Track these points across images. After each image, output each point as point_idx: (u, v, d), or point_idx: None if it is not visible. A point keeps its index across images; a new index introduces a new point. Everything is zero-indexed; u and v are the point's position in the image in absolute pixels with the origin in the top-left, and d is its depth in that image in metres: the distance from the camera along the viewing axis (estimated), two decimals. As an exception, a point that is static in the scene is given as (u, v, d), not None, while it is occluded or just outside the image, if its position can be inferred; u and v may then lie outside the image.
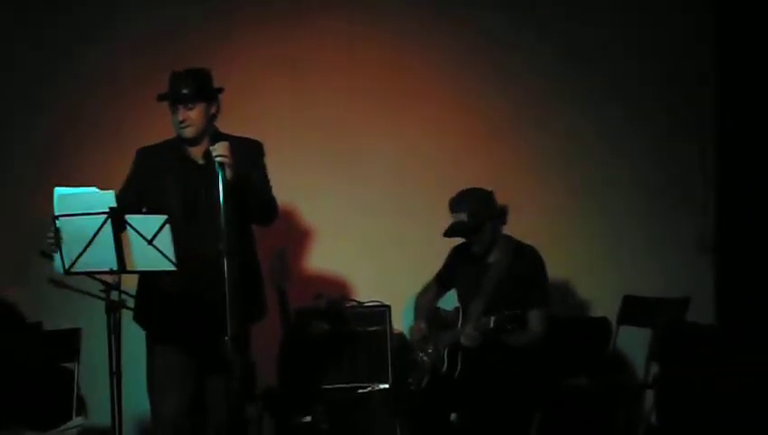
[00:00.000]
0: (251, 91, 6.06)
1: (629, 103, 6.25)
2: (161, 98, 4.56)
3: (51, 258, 4.28)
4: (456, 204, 5.27)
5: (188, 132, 4.55)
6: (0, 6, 6.11)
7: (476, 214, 5.22)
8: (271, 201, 4.63)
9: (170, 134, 4.69)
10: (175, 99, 4.52)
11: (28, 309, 5.85)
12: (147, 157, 4.66)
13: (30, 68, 6.13)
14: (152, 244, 4.08)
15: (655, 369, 5.77)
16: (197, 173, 4.57)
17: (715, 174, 6.19)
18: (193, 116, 4.53)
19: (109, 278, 4.33)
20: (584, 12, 6.24)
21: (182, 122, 4.53)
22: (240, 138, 4.60)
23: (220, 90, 4.62)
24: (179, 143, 4.62)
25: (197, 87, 4.52)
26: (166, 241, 4.10)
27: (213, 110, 4.59)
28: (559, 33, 6.24)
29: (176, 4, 6.17)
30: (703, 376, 5.45)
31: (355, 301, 5.95)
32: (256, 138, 4.72)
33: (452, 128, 6.24)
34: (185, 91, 4.50)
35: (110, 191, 4.14)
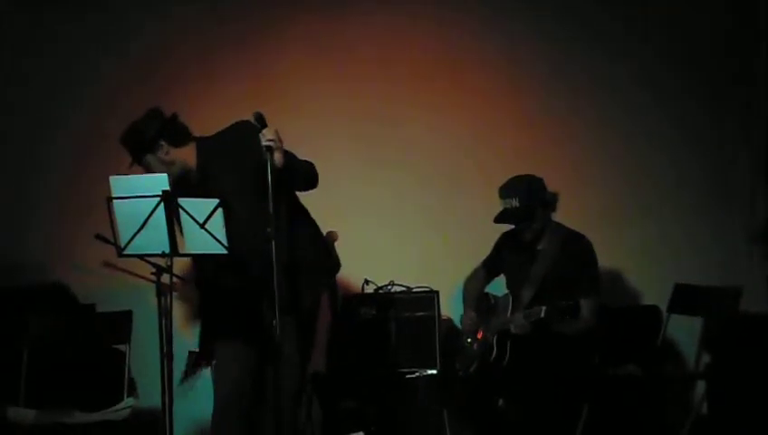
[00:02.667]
0: (294, 79, 6.10)
1: (675, 100, 6.19)
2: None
3: (107, 241, 4.33)
4: (506, 190, 5.24)
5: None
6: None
7: (527, 200, 5.18)
8: (311, 169, 4.63)
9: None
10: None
11: (82, 292, 5.90)
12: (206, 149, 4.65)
13: (69, 56, 6.20)
14: (204, 227, 4.09)
15: (706, 359, 5.73)
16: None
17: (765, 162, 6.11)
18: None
19: (160, 261, 4.36)
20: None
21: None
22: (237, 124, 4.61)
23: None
24: None
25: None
26: (218, 225, 4.12)
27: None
28: (598, 23, 6.20)
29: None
30: (756, 367, 5.40)
31: (403, 287, 5.94)
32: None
33: (497, 116, 6.21)
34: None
35: (164, 174, 4.16)
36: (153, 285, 4.38)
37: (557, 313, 4.90)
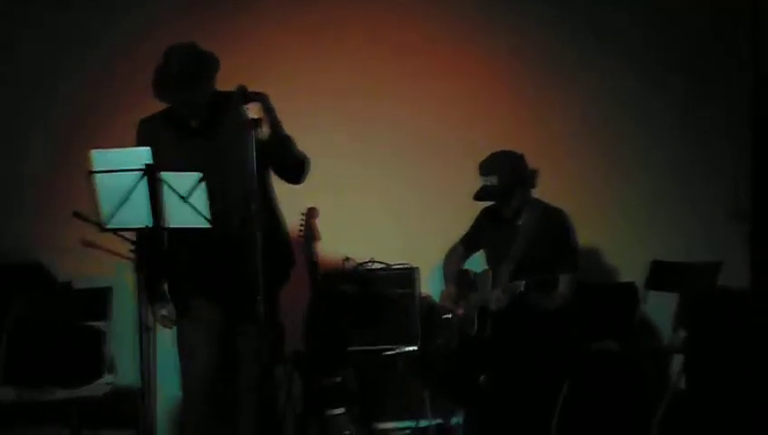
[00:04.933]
0: (271, 57, 6.09)
1: (654, 71, 6.23)
2: (161, 97, 4.37)
3: (84, 219, 4.30)
4: (485, 167, 5.26)
5: (194, 120, 4.45)
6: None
7: (506, 177, 5.21)
8: (301, 156, 4.58)
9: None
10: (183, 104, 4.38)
11: (62, 271, 5.88)
12: (147, 129, 4.49)
13: (58, 31, 6.16)
14: (187, 201, 4.07)
15: (682, 334, 5.78)
16: (201, 137, 4.46)
17: (751, 139, 6.16)
18: (201, 107, 4.42)
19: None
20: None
21: (190, 116, 4.42)
22: (245, 93, 4.36)
23: (218, 67, 4.42)
24: (172, 112, 4.48)
25: (204, 86, 4.35)
26: (201, 198, 4.10)
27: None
28: (583, 5, 6.24)
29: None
30: (732, 341, 5.45)
31: (383, 263, 5.95)
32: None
33: (478, 91, 6.22)
34: (194, 97, 4.34)
35: (147, 148, 4.13)
36: (131, 263, 4.36)
37: (536, 287, 4.93)
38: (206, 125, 4.46)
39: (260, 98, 4.30)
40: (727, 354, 5.40)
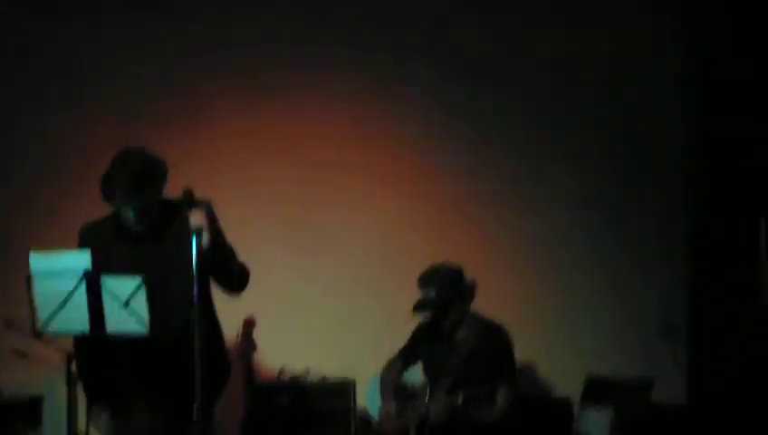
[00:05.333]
0: (214, 163, 6.11)
1: (592, 185, 6.36)
2: (107, 199, 4.32)
3: (16, 328, 4.25)
4: (424, 280, 5.30)
5: (141, 227, 4.38)
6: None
7: (445, 291, 5.25)
8: (242, 266, 4.59)
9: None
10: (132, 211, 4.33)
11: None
12: (89, 236, 4.43)
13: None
14: (128, 306, 4.04)
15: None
16: (144, 242, 4.43)
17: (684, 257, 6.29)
18: (147, 214, 4.38)
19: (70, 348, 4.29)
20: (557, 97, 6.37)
21: (138, 223, 4.37)
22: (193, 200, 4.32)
23: (165, 174, 4.38)
24: (120, 217, 4.42)
25: (151, 192, 4.31)
26: (140, 303, 4.07)
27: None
28: (523, 104, 6.37)
29: (139, 76, 6.22)
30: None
31: (319, 375, 5.91)
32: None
33: (417, 203, 6.31)
34: (141, 202, 4.29)
35: (87, 251, 4.10)
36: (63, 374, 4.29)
37: (474, 398, 4.94)
38: (152, 230, 4.42)
39: (204, 205, 4.31)
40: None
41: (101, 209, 4.45)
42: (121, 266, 4.21)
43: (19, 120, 6.20)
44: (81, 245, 4.39)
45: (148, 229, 4.41)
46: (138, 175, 4.27)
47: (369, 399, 5.69)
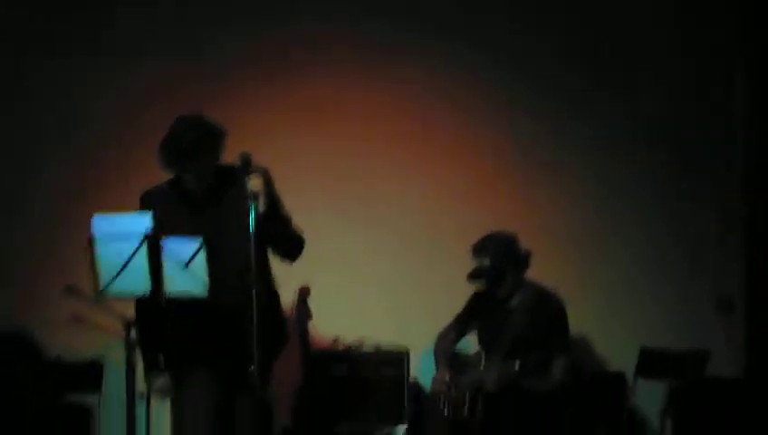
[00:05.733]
0: (266, 136, 6.13)
1: (644, 160, 6.32)
2: (168, 167, 4.40)
3: (76, 293, 4.31)
4: (478, 249, 5.31)
5: (197, 188, 4.48)
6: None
7: (499, 260, 5.25)
8: (297, 233, 4.62)
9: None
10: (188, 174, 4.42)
11: (50, 344, 5.85)
12: (151, 201, 4.50)
13: (57, 99, 6.23)
14: (187, 268, 4.08)
15: (670, 424, 5.77)
16: (207, 207, 4.50)
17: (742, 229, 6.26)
18: (203, 177, 4.47)
19: (130, 315, 4.34)
20: (592, 68, 6.34)
21: (193, 183, 4.44)
22: (251, 168, 4.37)
23: (224, 137, 4.46)
24: (182, 181, 4.50)
25: (209, 156, 4.39)
26: (200, 265, 4.11)
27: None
28: (577, 88, 6.34)
29: (197, 49, 6.27)
30: (720, 432, 5.44)
31: (374, 344, 5.95)
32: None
33: (472, 172, 6.31)
34: (199, 166, 4.38)
35: (148, 213, 4.16)
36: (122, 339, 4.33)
37: (530, 368, 4.93)
38: (211, 196, 4.49)
39: (261, 171, 4.35)
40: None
41: (163, 175, 4.51)
42: (180, 232, 4.24)
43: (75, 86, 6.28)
44: (143, 209, 4.44)
45: (206, 194, 4.46)
46: (194, 139, 4.33)
47: (422, 369, 5.73)
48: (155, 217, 4.21)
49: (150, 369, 4.48)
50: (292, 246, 4.58)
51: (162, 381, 4.52)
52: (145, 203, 4.49)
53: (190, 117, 4.43)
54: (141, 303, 4.35)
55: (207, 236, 4.23)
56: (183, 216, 4.44)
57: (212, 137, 4.40)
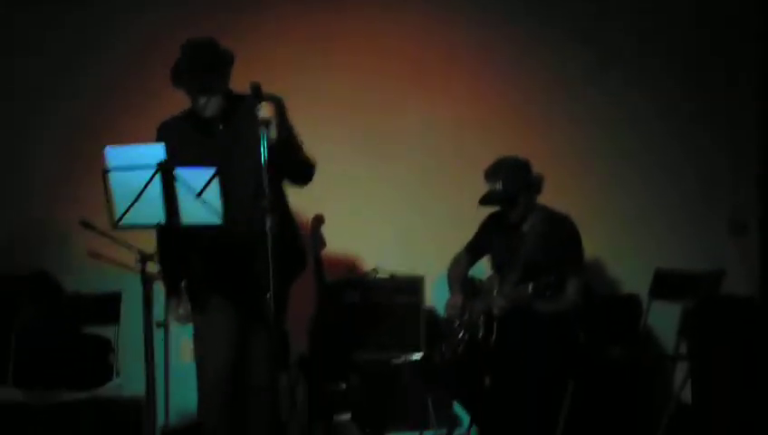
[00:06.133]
0: (278, 68, 6.11)
1: (654, 83, 6.32)
2: (177, 84, 4.47)
3: (91, 228, 4.35)
4: (491, 173, 5.29)
5: (210, 113, 4.53)
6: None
7: (511, 183, 5.24)
8: (308, 159, 4.66)
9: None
10: (195, 91, 4.47)
11: (66, 280, 5.90)
12: (167, 131, 4.60)
13: (68, 34, 6.21)
14: (201, 197, 4.10)
15: (685, 343, 5.81)
16: (220, 136, 4.58)
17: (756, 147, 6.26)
18: (214, 100, 4.51)
19: (146, 249, 4.42)
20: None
21: (205, 108, 4.51)
22: (264, 94, 4.45)
23: (233, 60, 4.56)
24: (197, 112, 4.58)
25: (216, 75, 4.46)
26: (214, 194, 4.14)
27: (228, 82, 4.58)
28: (591, 22, 6.34)
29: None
30: (736, 350, 5.46)
31: (388, 272, 5.98)
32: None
33: (483, 102, 6.29)
34: (205, 83, 4.44)
35: (161, 144, 4.17)
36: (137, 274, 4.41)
37: (543, 287, 4.95)
38: (223, 124, 4.54)
39: (275, 99, 4.38)
40: (733, 362, 5.42)
41: (178, 107, 4.57)
42: (194, 159, 4.29)
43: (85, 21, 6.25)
44: (158, 140, 4.50)
45: (220, 121, 4.50)
46: (205, 58, 4.41)
47: (437, 296, 5.76)
48: (169, 146, 4.26)
49: (170, 296, 4.53)
50: (303, 171, 4.65)
51: (182, 307, 4.58)
52: (160, 133, 4.56)
53: (200, 38, 4.51)
54: (162, 231, 4.39)
55: (221, 163, 4.28)
56: (196, 144, 4.51)
57: (222, 57, 4.48)
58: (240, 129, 4.48)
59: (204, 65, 4.41)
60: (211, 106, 4.49)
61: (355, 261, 6.06)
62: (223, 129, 4.56)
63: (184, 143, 4.46)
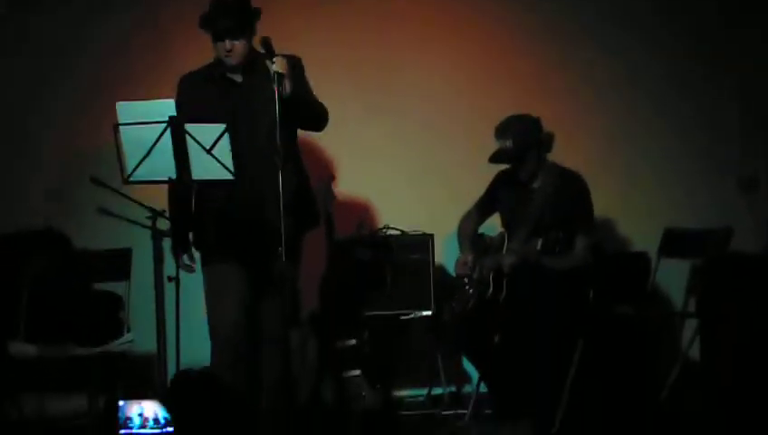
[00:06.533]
0: (281, 29, 6.05)
1: (664, 42, 6.34)
2: (204, 26, 4.58)
3: (102, 185, 4.37)
4: (501, 130, 5.28)
5: (233, 61, 4.60)
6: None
7: (522, 140, 5.23)
8: (321, 108, 4.71)
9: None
10: (221, 33, 4.54)
11: (77, 237, 5.92)
12: (188, 83, 4.69)
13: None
14: (210, 153, 4.12)
15: (693, 300, 5.83)
16: (238, 91, 4.62)
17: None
18: (238, 46, 4.57)
19: (156, 206, 4.46)
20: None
21: (228, 53, 4.57)
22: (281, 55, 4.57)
23: (259, 14, 4.66)
24: (217, 66, 4.66)
25: (243, 19, 4.55)
26: (224, 150, 4.15)
27: (253, 36, 4.64)
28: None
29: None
30: (744, 307, 5.49)
31: (398, 229, 5.99)
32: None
33: (492, 58, 6.29)
34: (231, 25, 4.53)
35: (171, 100, 4.19)
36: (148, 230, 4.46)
37: (552, 243, 4.96)
38: (243, 79, 4.60)
39: (293, 58, 4.50)
40: (742, 318, 5.44)
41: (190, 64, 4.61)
42: (212, 114, 4.35)
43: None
44: (179, 92, 4.60)
45: (239, 71, 4.59)
46: (235, 3, 4.51)
47: (447, 254, 5.78)
48: (187, 97, 4.38)
49: (177, 247, 4.56)
50: (317, 118, 4.70)
51: (188, 257, 4.62)
52: (181, 86, 4.65)
53: None
54: (173, 186, 4.43)
55: (238, 118, 4.37)
56: (216, 98, 4.57)
57: (250, 5, 4.58)
58: (257, 85, 4.51)
59: (233, 9, 4.50)
60: (236, 53, 4.56)
61: (366, 218, 6.06)
62: (242, 83, 4.61)
63: (203, 97, 4.54)
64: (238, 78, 4.65)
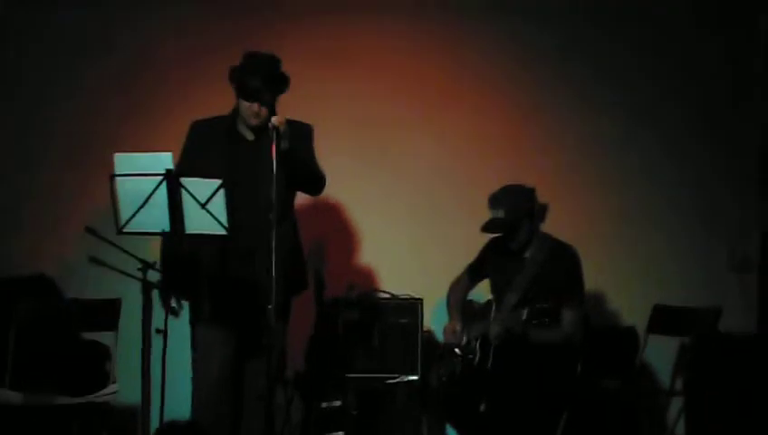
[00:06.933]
0: (294, 83, 6.10)
1: (657, 115, 6.34)
2: (238, 83, 4.59)
3: (96, 235, 4.39)
4: (494, 200, 5.32)
5: (256, 123, 4.63)
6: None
7: (514, 211, 5.26)
8: (320, 172, 4.74)
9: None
10: (255, 95, 4.58)
11: (67, 286, 5.92)
12: (199, 130, 4.73)
13: (74, 37, 6.23)
14: (205, 207, 4.15)
15: (681, 378, 5.82)
16: (246, 148, 4.66)
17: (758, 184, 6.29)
18: (264, 111, 4.60)
19: (147, 258, 4.45)
20: (617, 22, 6.34)
21: (255, 115, 4.61)
22: (292, 120, 4.65)
23: (288, 83, 4.68)
24: (232, 120, 4.70)
25: (276, 88, 4.59)
26: (219, 206, 4.18)
27: None
28: (592, 43, 6.36)
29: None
30: (733, 385, 5.47)
31: (388, 293, 6.00)
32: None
33: (491, 123, 6.31)
34: (267, 93, 4.56)
35: (168, 153, 4.22)
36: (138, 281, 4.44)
37: (537, 314, 4.97)
38: (254, 137, 4.66)
39: (305, 126, 4.66)
40: (729, 399, 5.42)
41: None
42: (216, 165, 4.45)
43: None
44: (190, 135, 4.67)
45: (254, 131, 4.64)
46: (274, 69, 4.58)
47: (436, 319, 5.78)
48: (196, 145, 4.45)
49: (167, 294, 4.55)
50: (314, 179, 4.73)
51: (175, 302, 4.60)
52: (192, 131, 4.71)
53: (265, 53, 4.64)
54: (166, 239, 4.45)
55: (243, 174, 4.43)
56: (222, 150, 4.63)
57: (285, 75, 4.62)
58: (265, 145, 4.53)
59: (272, 75, 4.55)
60: (261, 116, 4.58)
61: (355, 280, 6.05)
62: (252, 141, 4.67)
63: (211, 148, 4.60)
64: (250, 136, 4.69)
